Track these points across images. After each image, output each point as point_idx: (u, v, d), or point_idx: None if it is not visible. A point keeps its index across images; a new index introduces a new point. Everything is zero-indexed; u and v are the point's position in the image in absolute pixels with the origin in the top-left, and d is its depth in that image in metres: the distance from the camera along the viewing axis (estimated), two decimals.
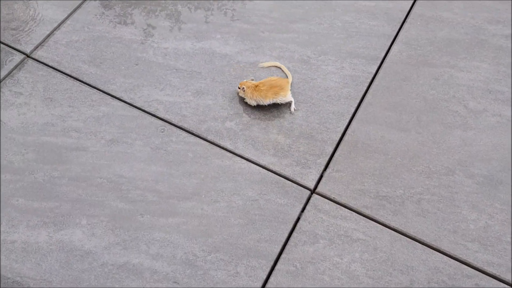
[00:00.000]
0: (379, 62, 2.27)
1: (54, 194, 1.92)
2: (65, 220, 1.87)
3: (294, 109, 2.11)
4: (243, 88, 2.10)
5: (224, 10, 2.46)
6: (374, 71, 2.24)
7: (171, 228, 1.84)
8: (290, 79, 2.16)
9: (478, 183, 1.93)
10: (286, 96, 2.09)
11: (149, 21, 2.42)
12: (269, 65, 2.23)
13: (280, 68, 2.22)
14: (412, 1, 2.46)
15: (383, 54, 2.29)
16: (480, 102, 2.13)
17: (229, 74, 2.24)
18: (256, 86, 2.10)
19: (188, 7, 2.47)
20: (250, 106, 2.14)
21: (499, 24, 2.37)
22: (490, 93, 2.16)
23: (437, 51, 2.29)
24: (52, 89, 2.20)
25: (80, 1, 2.49)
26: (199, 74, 2.25)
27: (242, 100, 2.15)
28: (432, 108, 2.12)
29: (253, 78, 2.19)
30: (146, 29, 2.40)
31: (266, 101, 2.09)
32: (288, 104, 2.13)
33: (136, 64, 2.25)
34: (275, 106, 2.13)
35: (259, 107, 2.12)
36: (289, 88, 2.10)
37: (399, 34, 2.36)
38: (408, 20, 2.40)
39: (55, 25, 2.41)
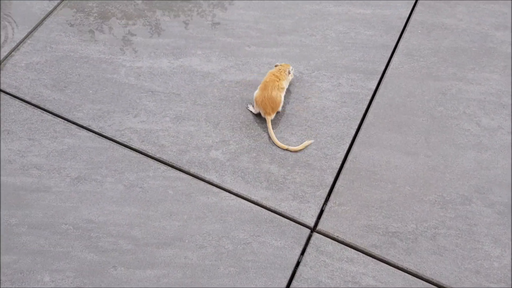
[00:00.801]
0: (379, 76, 2.04)
1: (11, 246, 1.64)
2: (25, 277, 1.59)
3: (252, 111, 1.92)
4: (287, 70, 1.92)
5: (205, 22, 2.21)
6: (374, 87, 2.00)
7: (149, 282, 1.57)
8: (301, 146, 1.83)
9: (498, 212, 1.70)
10: (266, 117, 1.87)
11: (120, 37, 2.16)
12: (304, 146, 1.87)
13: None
14: (411, 7, 2.24)
15: (382, 67, 2.06)
16: (493, 119, 1.91)
17: (213, 95, 1.99)
18: (267, 83, 1.87)
19: (164, 20, 2.21)
20: (238, 130, 1.89)
21: (507, 30, 2.16)
22: (503, 107, 1.94)
23: (442, 62, 2.07)
24: (9, 120, 1.91)
25: (41, 17, 2.22)
26: (178, 96, 1.99)
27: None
28: (441, 127, 1.90)
29: (290, 70, 1.94)
30: (116, 46, 2.13)
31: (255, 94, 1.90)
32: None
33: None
34: (266, 130, 1.88)
35: (251, 123, 1.88)
36: (270, 113, 1.86)
37: (399, 44, 2.13)
38: (407, 28, 2.18)
39: (13, 45, 2.13)
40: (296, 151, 1.83)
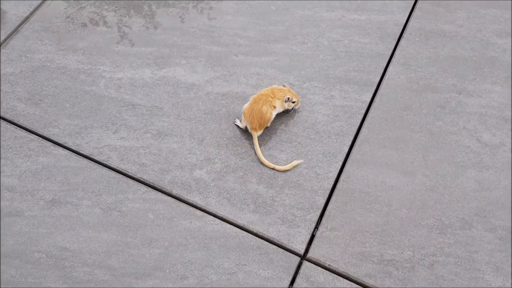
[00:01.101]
0: (374, 88, 1.92)
1: None
2: None
3: (239, 125, 1.80)
4: (286, 96, 1.76)
5: (190, 28, 2.08)
6: (368, 100, 1.89)
7: None
8: (289, 166, 1.72)
9: (500, 237, 1.60)
10: (252, 132, 1.75)
11: (100, 45, 2.03)
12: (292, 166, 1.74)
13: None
14: (408, 13, 2.12)
15: (378, 78, 1.95)
16: (495, 134, 1.80)
17: (197, 108, 1.87)
18: (261, 96, 1.74)
19: (147, 26, 2.09)
20: (224, 147, 1.77)
21: (509, 37, 2.04)
22: (506, 122, 1.83)
23: (441, 73, 1.96)
24: None
25: (17, 24, 2.09)
26: (161, 110, 1.87)
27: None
28: (440, 143, 1.79)
29: (289, 98, 1.77)
30: (96, 55, 2.01)
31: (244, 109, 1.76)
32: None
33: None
34: (253, 147, 1.77)
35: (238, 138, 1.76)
36: (257, 129, 1.74)
37: (395, 53, 2.01)
38: (404, 35, 2.06)
39: None
40: (283, 171, 1.72)
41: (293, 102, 1.79)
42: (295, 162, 1.72)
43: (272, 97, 1.74)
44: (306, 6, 2.15)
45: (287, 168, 1.72)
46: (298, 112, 1.84)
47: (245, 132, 1.80)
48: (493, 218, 1.63)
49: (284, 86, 1.80)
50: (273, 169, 1.72)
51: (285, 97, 1.75)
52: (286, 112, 1.83)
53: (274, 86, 1.79)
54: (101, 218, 1.63)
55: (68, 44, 2.04)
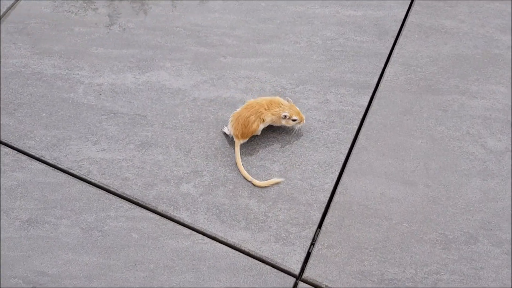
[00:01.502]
0: (371, 90, 1.81)
1: None
2: None
3: (227, 133, 1.68)
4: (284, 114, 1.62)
5: (175, 28, 1.94)
6: (366, 104, 1.78)
7: None
8: (267, 183, 1.60)
9: (507, 252, 1.50)
10: (234, 139, 1.64)
11: (77, 48, 1.89)
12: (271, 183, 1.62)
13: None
14: (406, 8, 1.99)
15: (375, 80, 1.83)
16: (500, 139, 1.70)
17: (183, 116, 1.75)
18: (255, 104, 1.62)
19: (128, 26, 1.95)
20: (212, 158, 1.66)
21: None
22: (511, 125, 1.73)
23: (443, 73, 1.84)
24: None
25: None
26: (144, 118, 1.75)
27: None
28: (442, 150, 1.68)
29: (286, 115, 1.62)
30: (74, 59, 1.87)
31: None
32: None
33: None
34: (243, 158, 1.66)
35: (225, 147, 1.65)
36: (239, 137, 1.63)
37: (393, 51, 1.89)
38: (403, 32, 1.94)
39: None
40: (260, 187, 1.60)
41: (294, 120, 1.63)
42: (274, 180, 1.61)
43: (265, 110, 1.61)
44: (298, 1, 2.01)
45: (264, 185, 1.60)
46: (300, 130, 1.70)
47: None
48: (499, 231, 1.53)
49: (288, 101, 1.64)
50: (250, 182, 1.61)
51: (282, 114, 1.61)
52: (286, 128, 1.71)
53: (277, 98, 1.64)
54: (81, 239, 1.51)
55: (44, 47, 1.90)
